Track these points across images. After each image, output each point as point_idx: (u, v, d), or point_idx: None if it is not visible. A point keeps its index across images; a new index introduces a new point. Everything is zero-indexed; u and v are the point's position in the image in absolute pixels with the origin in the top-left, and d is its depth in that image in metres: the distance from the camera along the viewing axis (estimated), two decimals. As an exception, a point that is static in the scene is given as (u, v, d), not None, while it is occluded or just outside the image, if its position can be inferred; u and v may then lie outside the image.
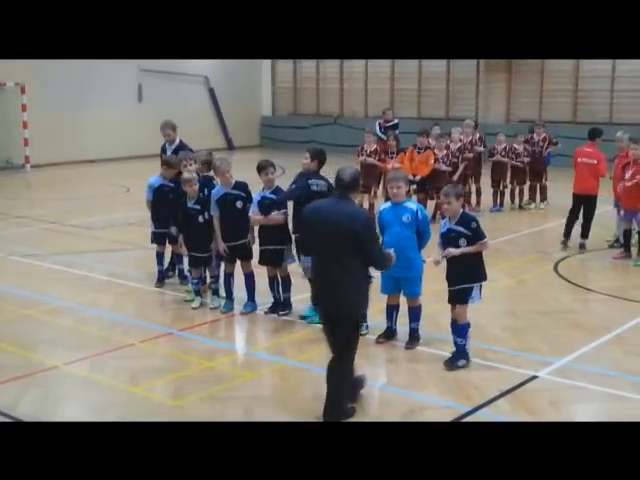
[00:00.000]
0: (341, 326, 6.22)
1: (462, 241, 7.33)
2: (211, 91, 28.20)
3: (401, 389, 6.98)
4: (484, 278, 7.49)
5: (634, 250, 11.62)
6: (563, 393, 6.95)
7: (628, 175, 11.44)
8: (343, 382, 6.37)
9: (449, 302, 7.58)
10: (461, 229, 7.34)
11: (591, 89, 23.27)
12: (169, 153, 10.49)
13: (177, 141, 10.72)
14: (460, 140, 15.18)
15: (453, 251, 7.26)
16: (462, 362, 7.48)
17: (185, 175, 9.41)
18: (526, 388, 7.03)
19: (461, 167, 14.62)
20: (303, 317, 8.81)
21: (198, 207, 9.13)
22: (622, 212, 11.82)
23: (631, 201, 11.41)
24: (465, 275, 7.38)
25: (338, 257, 6.05)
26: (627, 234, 11.69)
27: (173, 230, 9.67)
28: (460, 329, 7.49)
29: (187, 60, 24.53)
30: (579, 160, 12.42)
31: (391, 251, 6.67)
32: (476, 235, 7.34)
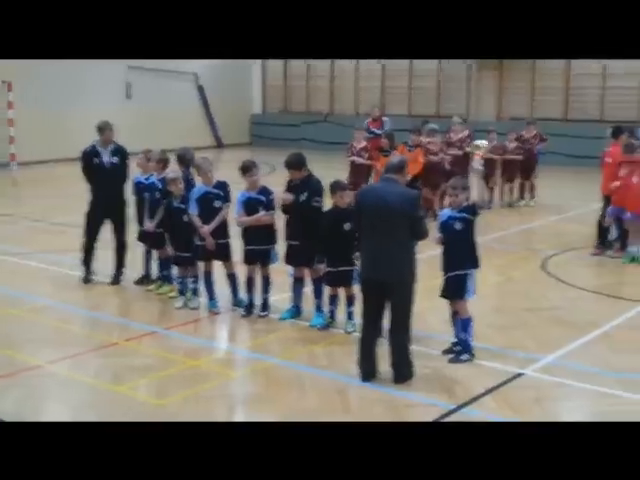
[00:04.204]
0: (398, 292, 6.93)
1: (458, 224, 7.37)
2: (200, 88, 28.11)
3: (386, 387, 6.94)
4: (477, 265, 7.49)
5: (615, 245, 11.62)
6: (548, 390, 6.92)
7: (622, 173, 11.37)
8: (407, 343, 7.06)
9: (444, 296, 7.58)
10: (463, 214, 7.40)
11: (582, 86, 23.28)
12: (107, 157, 10.11)
13: (113, 143, 10.35)
14: (449, 137, 15.16)
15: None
16: (465, 356, 7.49)
17: (170, 174, 9.36)
18: (511, 385, 7.00)
19: (446, 164, 14.54)
20: (282, 319, 8.76)
21: (183, 206, 9.07)
22: (610, 208, 11.77)
23: (620, 199, 11.38)
24: (459, 260, 7.41)
25: (390, 232, 6.81)
26: (605, 230, 11.73)
27: (148, 226, 9.63)
28: (462, 323, 7.51)
29: (177, 59, 24.41)
30: (606, 160, 12.17)
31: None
32: (471, 211, 7.42)
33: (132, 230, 10.27)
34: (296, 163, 8.46)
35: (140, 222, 9.98)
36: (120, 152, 10.25)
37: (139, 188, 9.97)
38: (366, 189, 7.36)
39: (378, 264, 6.94)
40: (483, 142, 7.41)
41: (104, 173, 10.10)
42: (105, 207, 10.21)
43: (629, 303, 9.34)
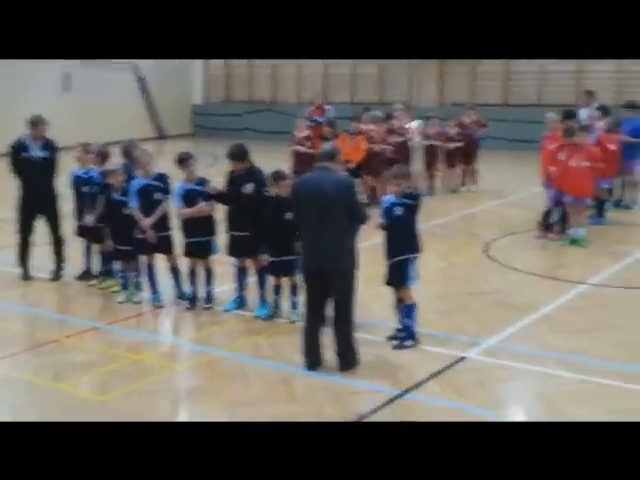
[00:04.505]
0: (340, 280, 6.95)
1: (399, 209, 7.41)
2: (141, 79, 27.76)
3: (331, 375, 6.95)
4: (419, 250, 7.54)
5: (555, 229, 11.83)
6: (491, 373, 7.00)
7: (562, 157, 11.51)
8: (351, 331, 7.08)
9: (388, 284, 7.61)
10: (404, 200, 7.42)
11: (521, 71, 23.53)
12: (36, 151, 9.85)
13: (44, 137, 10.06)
14: (391, 125, 15.20)
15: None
16: (410, 342, 7.55)
17: (109, 166, 9.23)
18: (455, 369, 7.07)
19: (387, 151, 14.57)
20: (227, 310, 8.71)
21: (123, 199, 8.95)
22: (551, 192, 11.95)
23: (559, 182, 11.56)
24: (401, 246, 7.45)
25: (328, 221, 6.84)
26: (547, 213, 11.92)
27: (88, 220, 9.49)
28: (407, 309, 7.55)
29: (116, 59, 24.01)
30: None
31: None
32: (413, 197, 7.45)
33: (70, 224, 10.08)
34: (238, 154, 8.40)
35: (78, 217, 9.82)
36: (50, 146, 10.05)
37: (77, 182, 9.81)
38: (302, 179, 7.40)
39: (318, 253, 6.96)
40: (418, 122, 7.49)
41: (33, 167, 9.89)
42: (36, 202, 10.02)
43: (568, 285, 9.50)
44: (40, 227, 10.28)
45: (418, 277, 7.54)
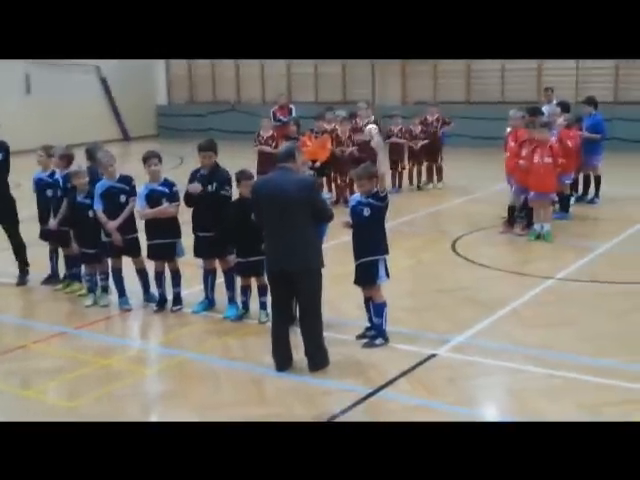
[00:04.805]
0: (305, 280, 6.90)
1: (366, 210, 7.37)
2: (103, 81, 27.51)
3: (302, 376, 6.94)
4: (386, 251, 7.53)
5: (519, 225, 11.92)
6: (461, 369, 7.04)
7: (524, 153, 11.63)
8: (319, 330, 7.07)
9: (357, 283, 7.59)
10: (371, 201, 7.38)
11: (483, 69, 23.70)
12: None
13: None
14: (355, 123, 15.22)
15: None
16: (380, 341, 7.54)
17: (73, 168, 9.13)
18: (425, 367, 7.09)
19: (348, 150, 14.57)
20: (195, 312, 8.66)
21: (88, 201, 8.85)
22: (514, 187, 12.06)
23: (522, 177, 11.67)
24: (369, 247, 7.41)
25: (291, 221, 6.79)
26: (511, 209, 12.00)
27: (51, 224, 9.35)
28: (376, 308, 7.54)
29: (79, 59, 23.75)
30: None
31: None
32: (379, 198, 7.39)
33: (35, 228, 9.94)
34: (210, 145, 8.41)
35: (41, 220, 9.69)
36: (2, 147, 9.89)
37: (40, 185, 9.68)
38: (261, 180, 7.44)
39: (282, 254, 6.93)
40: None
41: None
42: None
43: (535, 279, 9.57)
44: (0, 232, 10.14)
45: (388, 275, 7.54)
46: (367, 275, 7.50)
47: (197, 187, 8.29)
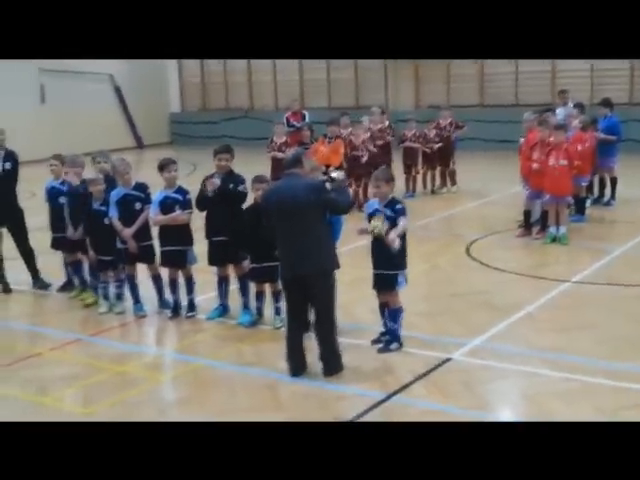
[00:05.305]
0: (319, 285, 6.91)
1: (386, 223, 7.26)
2: (117, 89, 27.65)
3: (317, 381, 6.92)
4: (405, 266, 7.45)
5: (536, 229, 11.85)
6: (476, 374, 6.99)
7: (535, 156, 11.62)
8: (333, 335, 7.05)
9: (375, 288, 7.53)
10: (387, 211, 7.30)
11: (496, 72, 23.65)
12: None
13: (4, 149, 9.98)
14: (369, 128, 15.22)
15: (393, 238, 7.16)
16: (395, 345, 7.50)
17: (89, 175, 9.16)
18: (440, 371, 7.06)
19: (365, 156, 14.57)
20: (209, 318, 8.66)
21: (104, 209, 8.87)
22: (527, 192, 12.02)
23: (536, 181, 11.63)
24: (392, 262, 7.32)
25: (302, 227, 6.81)
26: (527, 213, 11.94)
27: (73, 234, 9.34)
28: (393, 313, 7.49)
29: (91, 59, 23.92)
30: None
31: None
32: (398, 214, 7.29)
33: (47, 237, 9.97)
34: (227, 148, 8.46)
35: (54, 229, 9.70)
36: (12, 157, 9.95)
37: (52, 194, 9.70)
38: (270, 189, 7.46)
39: (295, 259, 6.93)
40: (376, 222, 7.32)
41: None
42: None
43: (551, 283, 9.52)
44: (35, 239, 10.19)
45: (406, 282, 7.49)
46: (386, 283, 7.43)
47: (216, 182, 8.23)
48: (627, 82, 21.69)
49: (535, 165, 11.59)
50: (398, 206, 7.34)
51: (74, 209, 9.31)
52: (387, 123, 15.96)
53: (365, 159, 14.43)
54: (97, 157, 9.44)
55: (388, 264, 7.34)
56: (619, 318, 8.29)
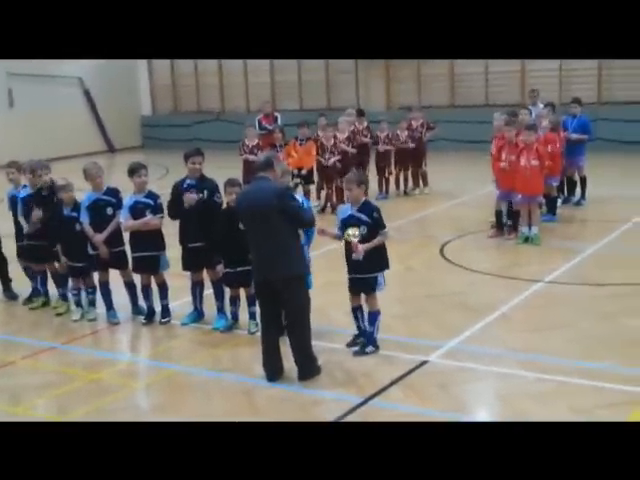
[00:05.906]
0: (289, 289, 6.86)
1: (362, 228, 7.24)
2: (86, 93, 27.41)
3: (293, 385, 6.91)
4: (387, 266, 7.48)
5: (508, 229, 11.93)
6: (452, 375, 7.01)
7: (504, 156, 11.69)
8: (307, 339, 7.01)
9: (352, 291, 7.51)
10: (363, 217, 7.29)
11: (467, 72, 23.72)
12: None
13: None
14: (353, 130, 15.24)
15: (361, 251, 7.17)
16: (370, 349, 7.49)
17: (61, 182, 9.06)
18: (417, 374, 7.07)
19: (333, 158, 14.55)
20: (184, 324, 8.60)
21: (75, 214, 8.79)
22: (497, 192, 12.08)
23: (506, 182, 11.69)
24: (371, 265, 7.32)
25: (270, 232, 6.79)
26: (499, 214, 12.00)
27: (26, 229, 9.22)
28: (371, 317, 7.49)
29: (59, 62, 23.71)
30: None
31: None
32: (377, 225, 7.31)
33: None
34: (199, 151, 8.45)
35: (18, 238, 9.54)
36: None
37: (14, 203, 9.54)
38: (241, 193, 7.51)
39: (264, 264, 6.94)
40: (354, 231, 7.30)
41: None
42: None
43: (524, 283, 9.57)
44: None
45: (385, 282, 7.49)
46: (366, 285, 7.42)
47: (193, 197, 8.20)
48: (595, 81, 21.86)
49: (503, 164, 11.65)
50: (375, 214, 7.31)
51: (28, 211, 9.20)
52: (365, 124, 15.97)
53: (332, 161, 14.40)
54: (37, 170, 9.22)
55: (371, 266, 7.31)
56: (591, 317, 8.35)
